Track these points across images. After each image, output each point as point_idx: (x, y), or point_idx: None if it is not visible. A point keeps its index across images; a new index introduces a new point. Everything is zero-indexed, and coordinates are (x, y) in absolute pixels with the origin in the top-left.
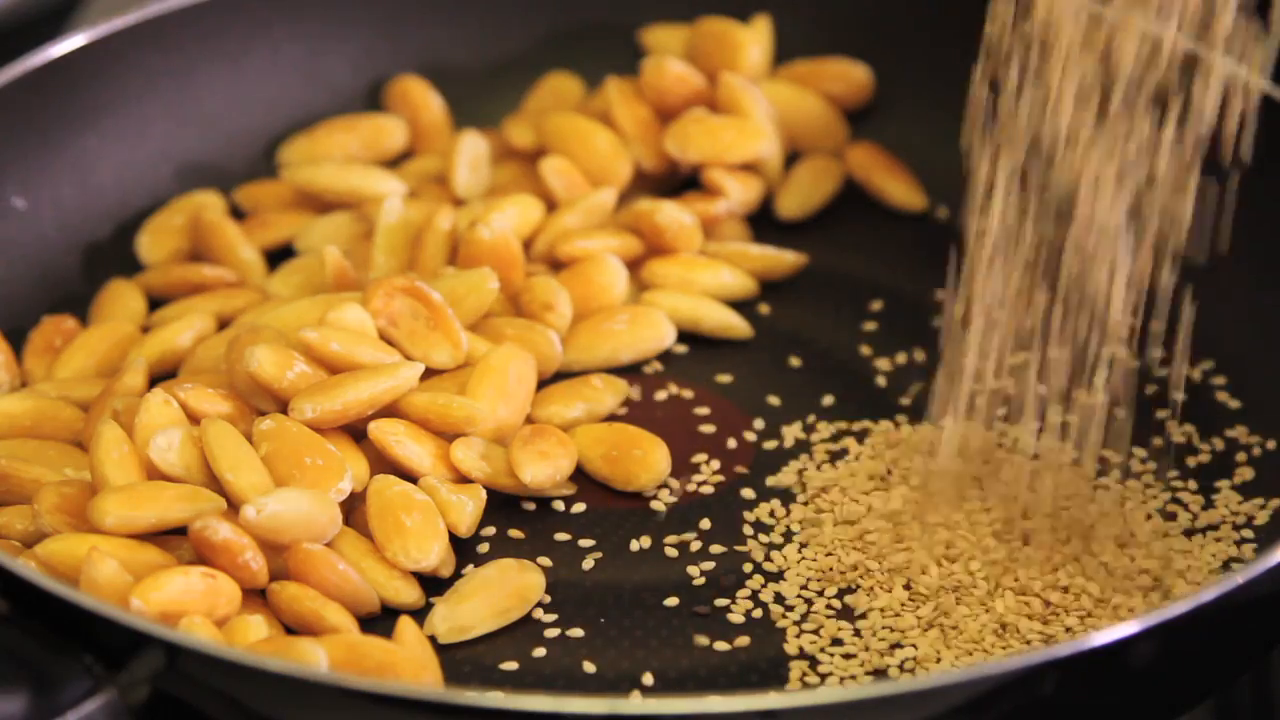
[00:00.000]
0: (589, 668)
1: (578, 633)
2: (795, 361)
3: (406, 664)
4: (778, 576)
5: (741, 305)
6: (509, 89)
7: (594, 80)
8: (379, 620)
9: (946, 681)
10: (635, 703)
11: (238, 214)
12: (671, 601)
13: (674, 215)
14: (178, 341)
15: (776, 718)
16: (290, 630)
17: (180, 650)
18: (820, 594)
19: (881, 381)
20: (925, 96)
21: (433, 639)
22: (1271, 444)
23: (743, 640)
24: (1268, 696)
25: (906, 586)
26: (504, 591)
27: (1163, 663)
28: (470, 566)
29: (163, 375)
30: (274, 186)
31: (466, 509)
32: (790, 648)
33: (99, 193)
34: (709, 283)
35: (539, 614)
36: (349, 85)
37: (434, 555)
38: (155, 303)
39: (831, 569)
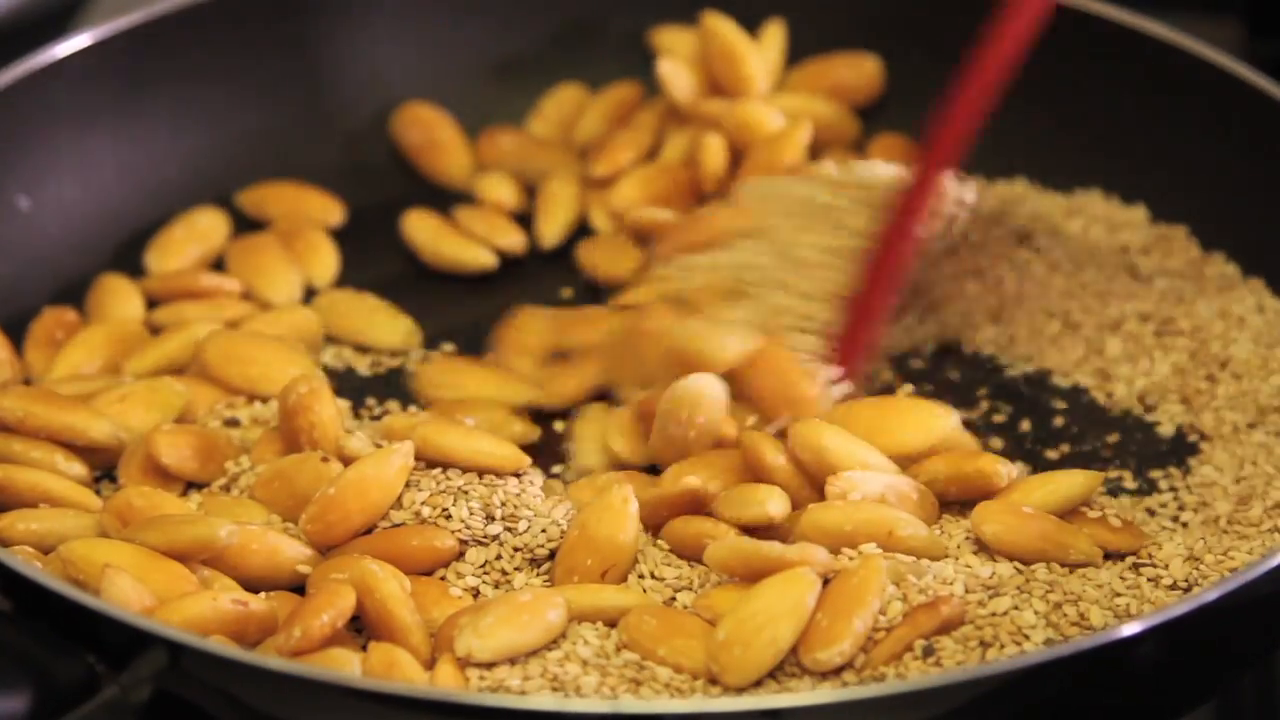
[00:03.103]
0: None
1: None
2: None
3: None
4: None
5: None
6: (514, 87)
7: (601, 82)
8: None
9: (946, 681)
10: (635, 703)
11: (241, 220)
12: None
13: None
14: (195, 346)
15: (777, 717)
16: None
17: (183, 649)
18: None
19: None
20: (940, 85)
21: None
22: None
23: None
24: (1271, 697)
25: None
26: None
27: (1165, 663)
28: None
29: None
30: (277, 189)
31: None
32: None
33: (102, 192)
34: None
35: None
36: (353, 84)
37: None
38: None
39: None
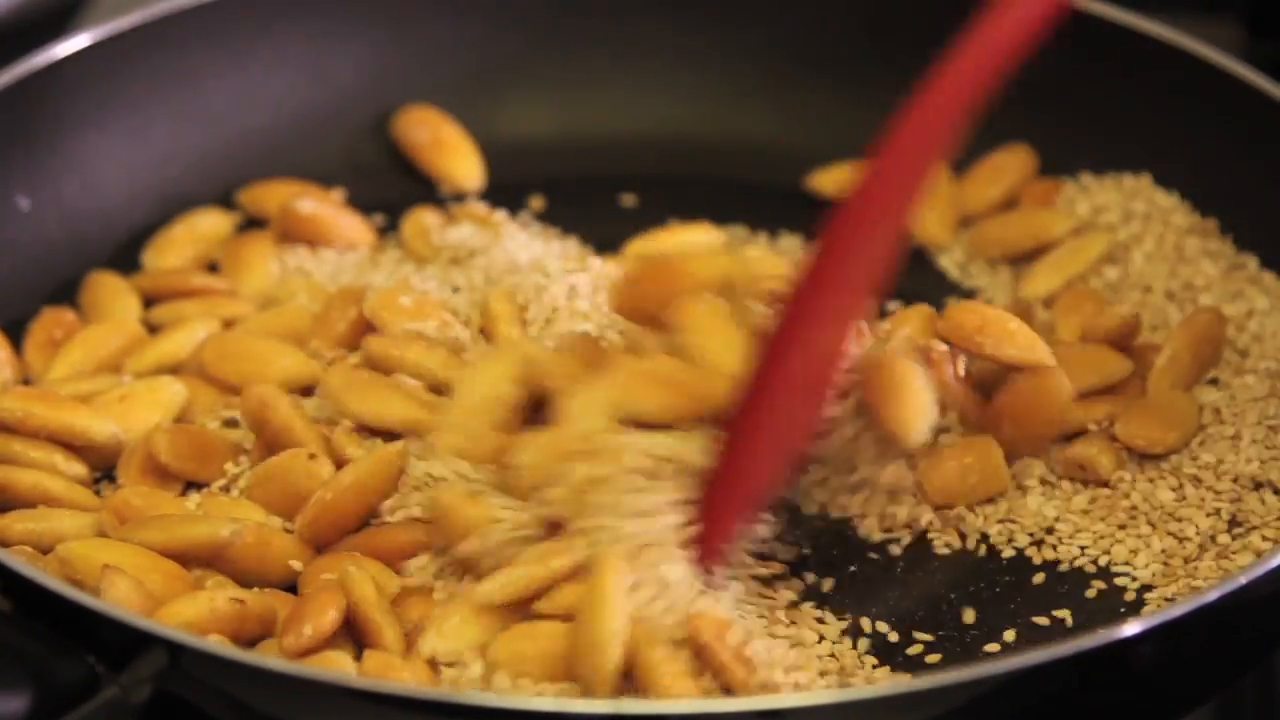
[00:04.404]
0: None
1: None
2: None
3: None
4: None
5: None
6: (515, 84)
7: (603, 82)
8: None
9: (946, 682)
10: (635, 703)
11: (242, 221)
12: None
13: None
14: (192, 345)
15: (777, 718)
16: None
17: (183, 650)
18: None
19: None
20: None
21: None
22: None
23: None
24: (1271, 697)
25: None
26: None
27: (1165, 663)
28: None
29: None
30: (277, 187)
31: None
32: None
33: (102, 193)
34: None
35: None
36: (353, 84)
37: None
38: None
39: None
